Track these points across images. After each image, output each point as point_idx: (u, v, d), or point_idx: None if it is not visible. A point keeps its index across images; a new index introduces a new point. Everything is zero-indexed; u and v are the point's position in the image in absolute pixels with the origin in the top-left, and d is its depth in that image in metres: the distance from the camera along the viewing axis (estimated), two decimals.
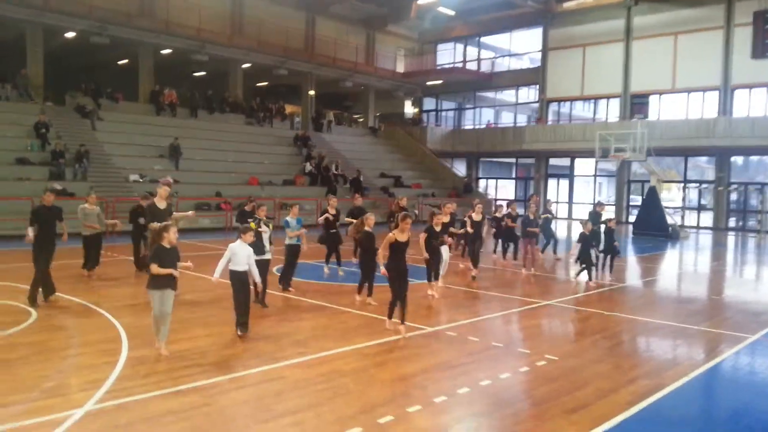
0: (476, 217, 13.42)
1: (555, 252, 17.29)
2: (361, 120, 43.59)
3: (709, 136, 28.33)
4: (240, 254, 7.84)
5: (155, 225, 7.75)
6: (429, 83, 41.23)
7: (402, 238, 8.43)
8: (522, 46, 39.70)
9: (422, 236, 10.04)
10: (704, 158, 33.01)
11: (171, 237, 7.21)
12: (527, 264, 14.28)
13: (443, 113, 44.02)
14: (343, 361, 7.00)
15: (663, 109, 32.13)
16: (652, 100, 32.44)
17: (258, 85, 38.72)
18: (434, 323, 8.87)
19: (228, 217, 22.46)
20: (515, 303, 10.75)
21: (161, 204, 10.28)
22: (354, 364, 6.90)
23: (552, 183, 37.46)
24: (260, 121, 33.36)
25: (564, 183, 36.75)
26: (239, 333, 7.87)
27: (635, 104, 32.72)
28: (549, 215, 17.27)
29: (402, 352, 7.41)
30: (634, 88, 32.62)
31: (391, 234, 8.50)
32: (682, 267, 18.13)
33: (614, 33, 33.00)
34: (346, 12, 38.06)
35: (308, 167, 29.66)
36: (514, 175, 41.57)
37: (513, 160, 40.43)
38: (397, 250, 8.40)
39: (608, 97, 34.08)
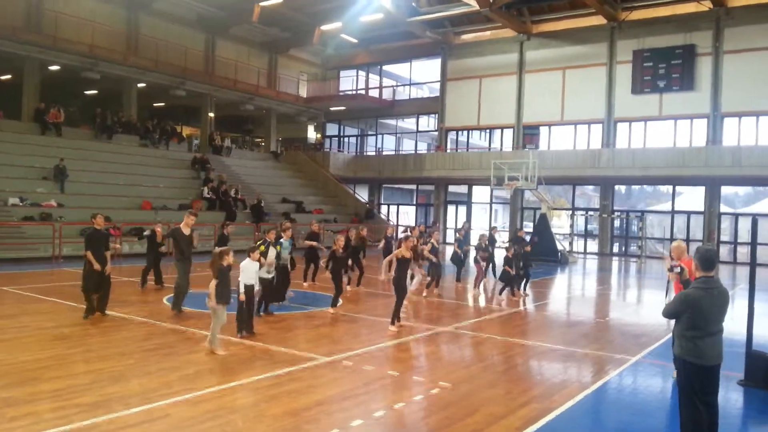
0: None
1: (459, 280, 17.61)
2: (263, 144, 43.07)
3: (595, 166, 30.13)
4: (250, 269, 9.50)
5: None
6: (332, 109, 41.48)
7: (406, 254, 10.69)
8: (422, 75, 40.88)
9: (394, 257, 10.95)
10: (591, 187, 35.03)
11: (230, 259, 8.72)
12: (477, 284, 15.84)
13: (346, 139, 44.32)
14: (233, 396, 6.72)
15: (553, 140, 33.89)
16: (543, 131, 34.16)
17: (155, 105, 37.42)
18: (330, 353, 8.74)
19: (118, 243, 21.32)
20: (413, 330, 10.79)
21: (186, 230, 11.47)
22: (244, 400, 6.64)
23: (451, 209, 38.44)
24: (155, 143, 32.14)
25: (462, 209, 37.81)
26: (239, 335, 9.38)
27: (527, 135, 34.36)
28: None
29: (295, 385, 7.21)
30: (526, 119, 34.22)
31: (398, 251, 10.78)
32: (570, 291, 19.00)
33: (508, 66, 34.59)
34: (247, 35, 37.72)
35: (206, 191, 28.82)
36: (415, 202, 42.33)
37: (414, 186, 41.22)
38: (402, 265, 10.65)
39: (502, 128, 35.56)
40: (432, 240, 15.60)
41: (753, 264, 8.18)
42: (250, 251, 9.74)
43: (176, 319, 10.80)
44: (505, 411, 6.55)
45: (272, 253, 11.06)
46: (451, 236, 35.20)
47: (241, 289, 9.34)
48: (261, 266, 10.30)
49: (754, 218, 8.28)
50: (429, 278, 14.97)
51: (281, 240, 11.94)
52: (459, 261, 17.40)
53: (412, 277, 13.97)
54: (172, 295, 11.78)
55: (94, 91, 33.64)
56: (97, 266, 10.42)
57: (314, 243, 15.21)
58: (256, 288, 9.78)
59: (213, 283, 8.42)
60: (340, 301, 12.47)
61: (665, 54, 29.88)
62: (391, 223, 36.27)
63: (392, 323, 10.63)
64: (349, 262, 14.58)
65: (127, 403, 6.28)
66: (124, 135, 30.85)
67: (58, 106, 28.36)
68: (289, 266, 12.54)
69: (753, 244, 8.18)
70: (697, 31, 29.29)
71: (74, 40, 28.41)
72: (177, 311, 11.16)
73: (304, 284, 15.46)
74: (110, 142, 29.47)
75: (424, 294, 14.58)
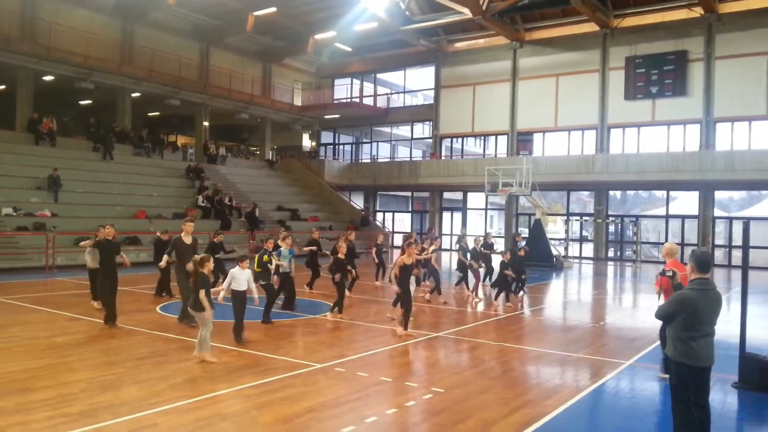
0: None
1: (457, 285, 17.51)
2: (258, 152, 43.08)
3: (589, 171, 30.18)
4: (239, 277, 9.49)
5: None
6: (326, 117, 41.53)
7: (408, 261, 10.85)
8: (416, 83, 40.94)
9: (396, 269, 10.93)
10: (586, 192, 35.07)
11: (210, 266, 8.70)
12: (476, 290, 15.79)
13: (341, 147, 44.37)
14: (225, 403, 6.67)
15: (547, 146, 33.96)
16: (537, 137, 34.23)
17: (149, 114, 37.43)
18: (323, 359, 8.69)
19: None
20: (408, 335, 10.74)
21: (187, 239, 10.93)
22: (236, 407, 6.59)
23: (446, 216, 38.44)
24: (150, 152, 32.10)
25: (457, 216, 37.81)
26: (237, 341, 9.50)
27: (521, 141, 34.43)
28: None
29: (288, 392, 7.17)
30: (520, 126, 34.30)
31: (399, 258, 10.88)
32: (566, 296, 18.98)
33: (502, 73, 34.68)
34: (241, 44, 37.76)
35: (201, 200, 28.76)
36: (410, 209, 42.32)
37: (409, 193, 41.22)
38: (405, 271, 10.75)
39: (497, 134, 35.62)
40: (434, 246, 15.66)
41: (745, 267, 8.18)
42: (239, 260, 9.78)
43: (168, 327, 10.73)
44: (498, 416, 6.52)
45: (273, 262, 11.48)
46: (446, 243, 35.19)
47: (251, 287, 9.61)
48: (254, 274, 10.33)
49: (746, 222, 8.29)
50: (430, 285, 15.11)
51: (280, 249, 11.97)
52: (464, 268, 17.07)
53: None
54: (165, 303, 11.74)
55: (89, 101, 33.61)
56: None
57: (313, 248, 15.30)
58: (255, 295, 9.77)
59: (202, 293, 8.22)
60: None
61: (657, 60, 30.02)
62: (387, 229, 36.31)
63: (405, 328, 10.67)
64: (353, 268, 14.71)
65: (115, 413, 6.24)
66: (118, 144, 30.80)
67: (51, 116, 28.33)
68: (292, 274, 12.61)
69: (745, 247, 8.18)
70: (689, 37, 29.44)
71: (68, 50, 28.40)
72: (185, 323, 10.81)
73: (308, 290, 15.54)
74: (108, 159, 29.29)
75: (427, 297, 14.85)
